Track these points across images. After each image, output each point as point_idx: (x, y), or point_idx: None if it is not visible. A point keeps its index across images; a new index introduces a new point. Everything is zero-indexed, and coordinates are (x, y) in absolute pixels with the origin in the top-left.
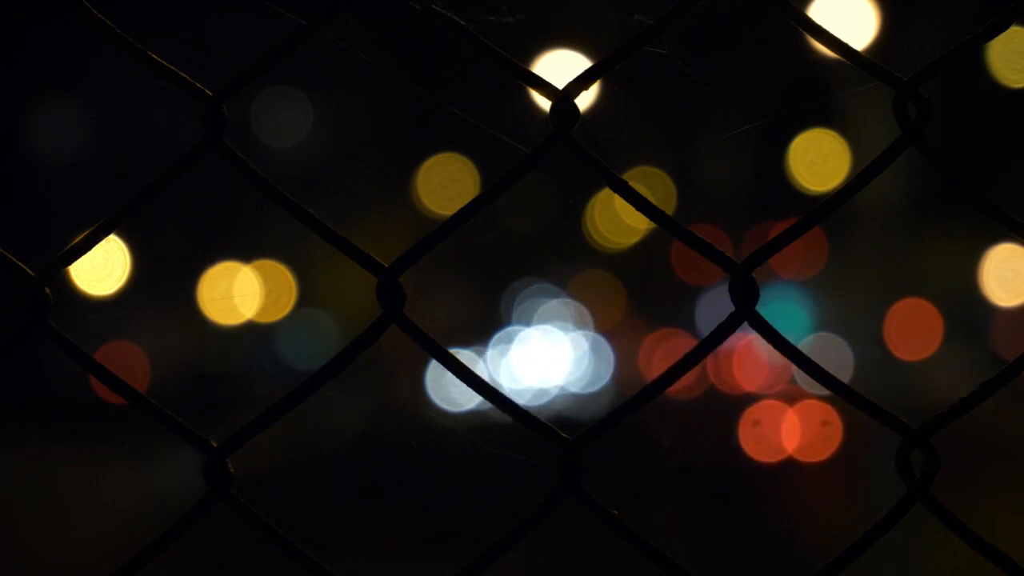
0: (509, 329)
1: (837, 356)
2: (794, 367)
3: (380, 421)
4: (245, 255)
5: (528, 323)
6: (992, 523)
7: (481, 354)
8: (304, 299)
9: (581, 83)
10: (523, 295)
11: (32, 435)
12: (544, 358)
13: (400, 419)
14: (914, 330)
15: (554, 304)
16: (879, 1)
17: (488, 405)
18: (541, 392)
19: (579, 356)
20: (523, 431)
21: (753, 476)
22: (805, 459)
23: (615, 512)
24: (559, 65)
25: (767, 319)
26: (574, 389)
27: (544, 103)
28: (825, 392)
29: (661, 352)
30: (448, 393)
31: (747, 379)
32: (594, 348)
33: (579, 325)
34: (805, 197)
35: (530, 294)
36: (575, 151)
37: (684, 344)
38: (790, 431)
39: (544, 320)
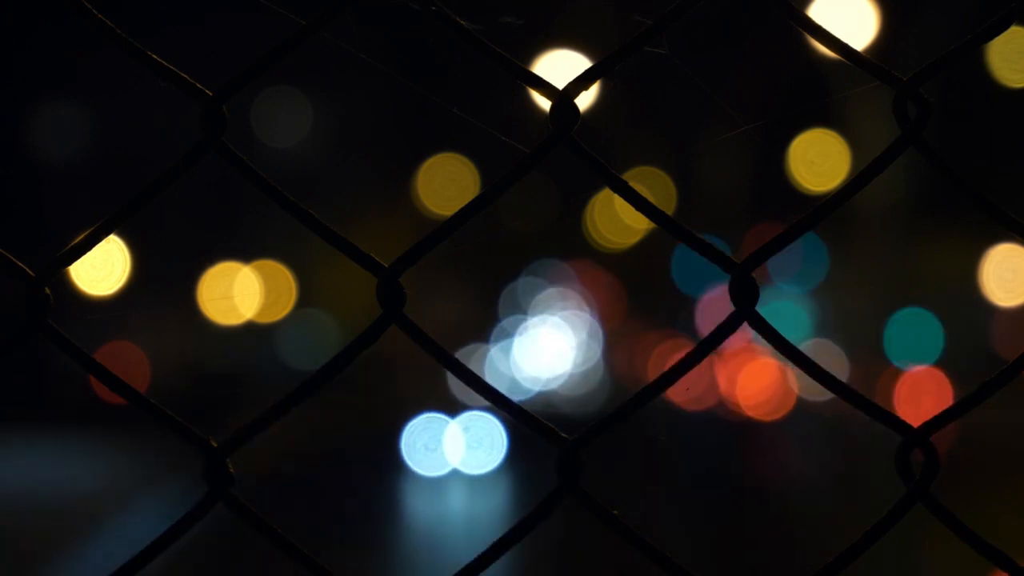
0: (509, 329)
1: (835, 356)
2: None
3: (380, 421)
4: (245, 255)
5: (528, 322)
6: (992, 523)
7: (481, 353)
8: (304, 299)
9: (581, 83)
10: (523, 295)
11: (32, 435)
12: (543, 357)
13: (400, 418)
14: (914, 334)
15: (554, 303)
16: (879, 1)
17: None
18: (541, 391)
19: (578, 355)
20: (524, 431)
21: (753, 476)
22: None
23: (615, 512)
24: (559, 65)
25: (767, 320)
26: (574, 389)
27: (544, 103)
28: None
29: (661, 352)
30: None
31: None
32: (594, 347)
33: (579, 324)
34: (805, 197)
35: (530, 293)
36: (575, 151)
37: (683, 343)
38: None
39: (544, 319)
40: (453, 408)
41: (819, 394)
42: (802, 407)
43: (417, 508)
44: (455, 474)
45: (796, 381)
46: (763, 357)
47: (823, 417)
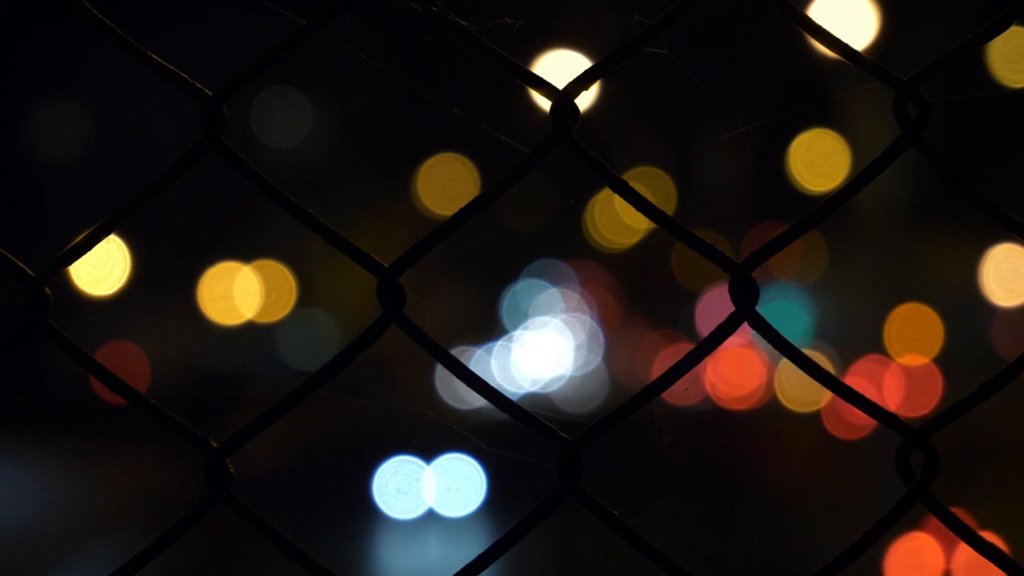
0: (508, 329)
1: (835, 355)
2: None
3: (379, 421)
4: (245, 255)
5: (527, 323)
6: (992, 523)
7: (481, 354)
8: (304, 299)
9: (581, 83)
10: (523, 295)
11: (32, 435)
12: (543, 357)
13: (401, 419)
14: (915, 334)
15: (554, 304)
16: (879, 1)
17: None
18: (541, 392)
19: (578, 355)
20: (525, 430)
21: (753, 475)
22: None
23: (615, 512)
24: (559, 65)
25: (767, 320)
26: (574, 389)
27: (544, 103)
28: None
29: (661, 352)
30: (457, 391)
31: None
32: (594, 347)
33: (579, 325)
34: (805, 197)
35: (530, 294)
36: (575, 151)
37: (683, 344)
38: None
39: (544, 320)
40: (428, 452)
41: (801, 385)
42: (786, 398)
43: (391, 554)
44: (431, 517)
45: (781, 373)
46: (741, 348)
47: (809, 409)
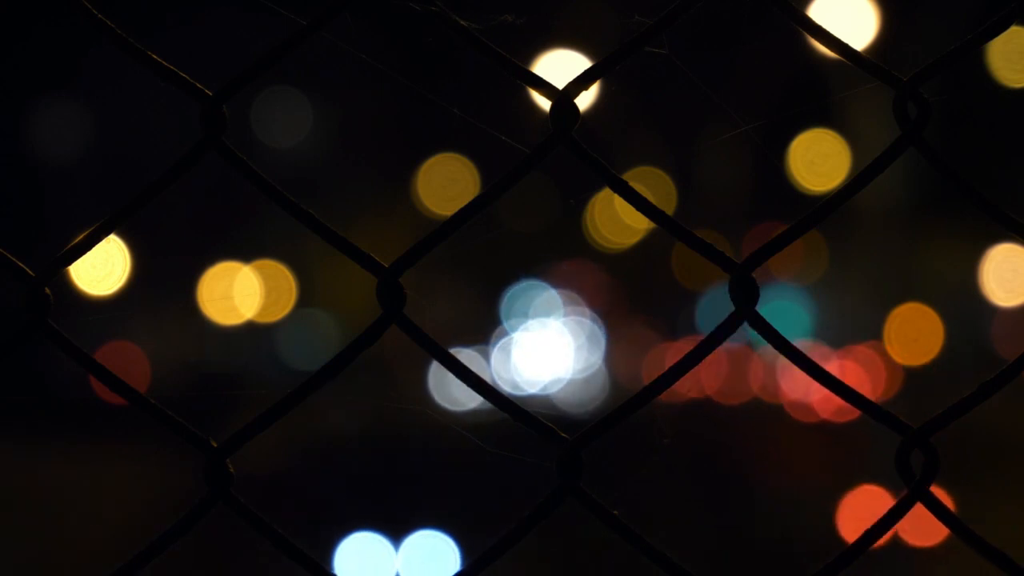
0: (508, 329)
1: (834, 355)
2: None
3: (380, 421)
4: (245, 255)
5: (527, 323)
6: (992, 523)
7: (481, 355)
8: (304, 299)
9: (581, 83)
10: (522, 295)
11: (32, 435)
12: (543, 358)
13: (400, 419)
14: (914, 334)
15: (553, 304)
16: (879, 1)
17: (491, 404)
18: (541, 393)
19: (579, 356)
20: (524, 431)
21: (753, 476)
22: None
23: (615, 512)
24: (559, 65)
25: (767, 320)
26: (574, 390)
27: (544, 103)
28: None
29: (662, 352)
30: (450, 392)
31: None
32: (593, 347)
33: (579, 326)
34: (805, 197)
35: (529, 294)
36: (575, 151)
37: (684, 344)
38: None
39: (544, 320)
40: (397, 530)
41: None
42: (771, 392)
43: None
44: None
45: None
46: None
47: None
